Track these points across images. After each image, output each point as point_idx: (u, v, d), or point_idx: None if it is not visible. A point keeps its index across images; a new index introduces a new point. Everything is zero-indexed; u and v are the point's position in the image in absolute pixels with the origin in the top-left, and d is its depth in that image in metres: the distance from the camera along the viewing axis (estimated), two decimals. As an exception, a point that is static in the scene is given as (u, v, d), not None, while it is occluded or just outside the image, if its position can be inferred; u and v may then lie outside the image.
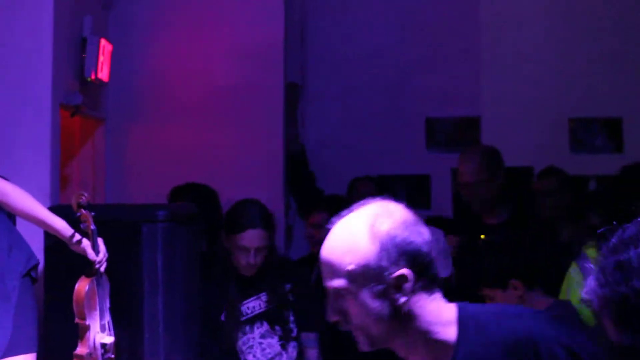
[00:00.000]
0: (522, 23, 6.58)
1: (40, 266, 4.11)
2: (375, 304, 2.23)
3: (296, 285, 4.88)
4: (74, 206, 3.79)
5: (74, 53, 6.10)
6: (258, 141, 6.80)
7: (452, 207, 6.55)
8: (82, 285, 3.83)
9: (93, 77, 6.16)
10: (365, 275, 2.23)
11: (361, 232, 2.27)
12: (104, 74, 6.34)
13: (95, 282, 3.84)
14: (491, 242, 4.42)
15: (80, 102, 5.98)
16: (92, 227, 3.76)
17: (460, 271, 5.20)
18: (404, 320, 2.26)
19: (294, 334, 4.84)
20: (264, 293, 4.81)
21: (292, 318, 4.85)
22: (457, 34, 6.96)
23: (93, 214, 3.79)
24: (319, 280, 2.51)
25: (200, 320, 4.66)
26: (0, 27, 5.66)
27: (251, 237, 4.73)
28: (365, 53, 7.07)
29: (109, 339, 3.90)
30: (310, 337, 4.86)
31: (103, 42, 6.28)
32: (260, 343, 4.80)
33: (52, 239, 3.92)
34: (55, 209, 3.91)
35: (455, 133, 7.00)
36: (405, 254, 2.24)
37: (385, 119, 7.02)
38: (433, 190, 7.01)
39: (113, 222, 4.22)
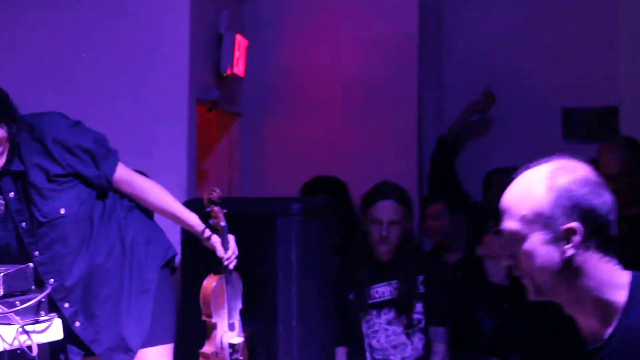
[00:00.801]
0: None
1: (177, 260, 4.18)
2: (543, 251, 2.30)
3: (429, 278, 4.89)
4: (205, 202, 3.81)
5: (210, 48, 6.19)
6: (392, 135, 6.78)
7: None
8: (210, 283, 3.84)
9: (229, 72, 6.24)
10: (536, 222, 2.31)
11: (540, 181, 2.33)
12: (239, 69, 6.41)
13: (224, 279, 3.84)
14: None
15: (217, 97, 6.06)
16: (222, 223, 3.77)
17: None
18: (572, 275, 2.30)
19: (422, 325, 4.84)
20: (395, 280, 4.84)
21: (420, 309, 4.85)
22: (593, 21, 6.81)
23: (225, 210, 3.80)
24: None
25: (333, 312, 4.69)
26: (139, 25, 5.78)
27: (384, 208, 4.83)
28: (500, 43, 6.97)
29: (237, 339, 3.88)
30: (438, 332, 4.86)
31: (239, 37, 6.36)
32: (386, 329, 4.83)
33: (188, 234, 3.97)
34: (189, 203, 3.98)
35: (593, 123, 6.85)
36: (580, 209, 2.29)
37: (521, 110, 6.91)
38: (571, 182, 6.87)
39: (248, 216, 4.27)
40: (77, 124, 3.61)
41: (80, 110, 5.76)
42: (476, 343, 4.99)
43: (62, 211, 3.51)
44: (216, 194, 3.79)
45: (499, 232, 4.89)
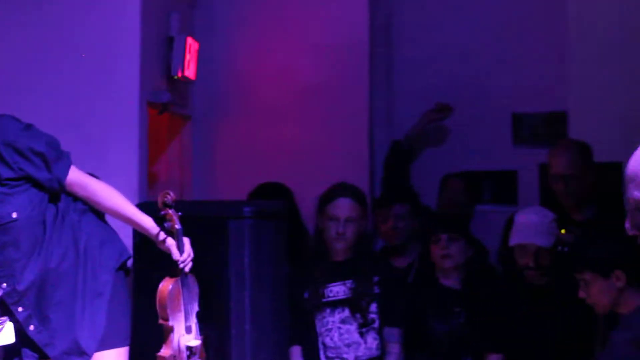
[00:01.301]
0: (609, 15, 6.46)
1: (130, 262, 4.16)
2: None
3: (384, 279, 4.93)
4: (160, 204, 3.80)
5: (161, 51, 6.17)
6: (343, 139, 6.79)
7: (539, 203, 6.46)
8: (166, 286, 3.82)
9: (180, 75, 6.23)
10: None
11: None
12: (190, 71, 6.39)
13: (180, 282, 3.83)
14: (602, 228, 4.37)
15: (168, 100, 6.05)
16: (177, 226, 3.76)
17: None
18: None
19: (376, 324, 4.88)
20: (350, 280, 4.88)
21: (375, 309, 4.88)
22: (542, 27, 6.86)
23: (180, 213, 3.79)
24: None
25: (287, 312, 4.70)
26: (88, 26, 5.75)
27: (341, 205, 4.92)
28: (450, 48, 7.01)
29: (195, 342, 3.87)
30: (393, 332, 4.91)
31: (190, 40, 6.34)
32: (339, 328, 4.86)
33: (141, 236, 3.95)
34: (142, 206, 3.96)
35: (542, 128, 6.91)
36: None
37: (471, 116, 6.95)
38: (520, 186, 6.92)
39: (200, 219, 4.25)
40: (29, 127, 3.58)
41: (30, 113, 5.71)
42: (428, 346, 5.01)
43: (14, 215, 3.47)
44: (170, 197, 3.77)
45: (451, 239, 4.96)
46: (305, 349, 4.90)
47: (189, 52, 6.33)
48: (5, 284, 3.53)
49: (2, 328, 2.96)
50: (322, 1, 6.96)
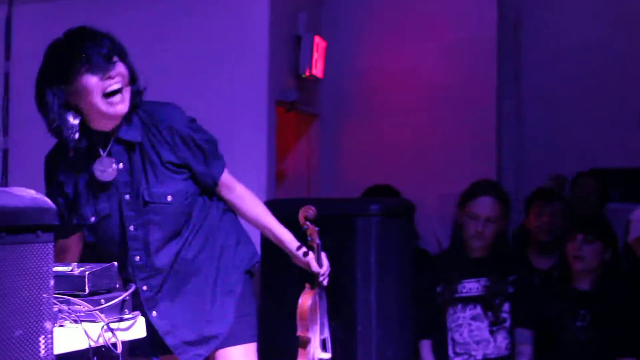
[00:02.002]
0: None
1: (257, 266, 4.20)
2: None
3: (519, 279, 4.88)
4: (301, 219, 3.77)
5: (289, 50, 6.23)
6: (471, 137, 6.75)
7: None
8: (306, 298, 3.82)
9: (307, 73, 6.27)
10: None
11: None
12: (318, 70, 6.43)
13: (317, 295, 3.84)
14: None
15: (296, 99, 6.10)
16: (318, 241, 3.74)
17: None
18: None
19: (507, 324, 4.83)
20: (485, 278, 4.84)
21: (507, 308, 4.84)
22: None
23: (317, 229, 3.77)
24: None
25: (412, 312, 4.69)
26: (218, 27, 5.84)
27: (482, 204, 4.89)
28: (578, 46, 6.91)
29: (326, 355, 3.90)
30: (525, 334, 4.85)
31: (317, 39, 6.38)
32: (470, 324, 4.84)
33: (267, 240, 3.98)
34: (270, 204, 3.99)
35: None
36: None
37: (599, 112, 6.83)
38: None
39: (327, 216, 4.26)
40: (194, 120, 3.65)
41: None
42: (557, 349, 4.94)
43: (169, 198, 3.52)
44: (312, 212, 3.74)
45: (586, 240, 4.89)
46: (434, 343, 4.90)
47: (317, 50, 6.37)
48: (138, 257, 3.59)
49: (134, 322, 3.02)
50: (451, 0, 6.93)
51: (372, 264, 4.32)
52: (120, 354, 2.84)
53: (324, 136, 7.00)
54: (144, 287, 3.62)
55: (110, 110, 3.41)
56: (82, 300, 2.86)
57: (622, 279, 5.29)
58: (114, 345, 2.83)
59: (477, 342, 4.83)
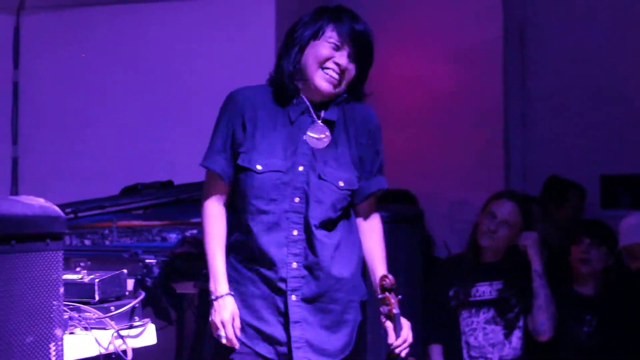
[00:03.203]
0: None
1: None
2: None
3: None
4: (379, 288, 3.68)
5: (296, 59, 6.24)
6: (478, 143, 6.76)
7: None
8: None
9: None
10: None
11: None
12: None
13: None
14: None
15: (304, 107, 6.11)
16: (395, 310, 3.60)
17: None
18: None
19: (521, 323, 4.83)
20: (498, 281, 4.84)
21: (520, 307, 4.84)
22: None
23: (400, 297, 3.66)
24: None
25: (421, 317, 4.68)
26: (224, 37, 5.86)
27: (503, 206, 4.87)
28: (584, 52, 6.91)
29: None
30: None
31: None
32: (484, 328, 4.84)
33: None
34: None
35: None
36: None
37: (605, 118, 6.84)
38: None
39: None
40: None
41: (167, 118, 5.88)
42: (562, 353, 4.95)
43: (341, 184, 3.53)
44: (389, 280, 3.62)
45: (593, 244, 4.89)
46: (446, 348, 4.90)
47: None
48: (296, 232, 3.45)
49: (144, 329, 3.04)
50: (455, 6, 6.94)
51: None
52: (130, 361, 2.86)
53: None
54: (293, 297, 3.46)
55: (322, 84, 3.44)
56: (92, 307, 2.88)
57: (625, 283, 5.29)
58: (124, 352, 2.85)
59: (493, 345, 4.83)
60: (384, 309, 3.47)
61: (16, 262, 2.29)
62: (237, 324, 3.39)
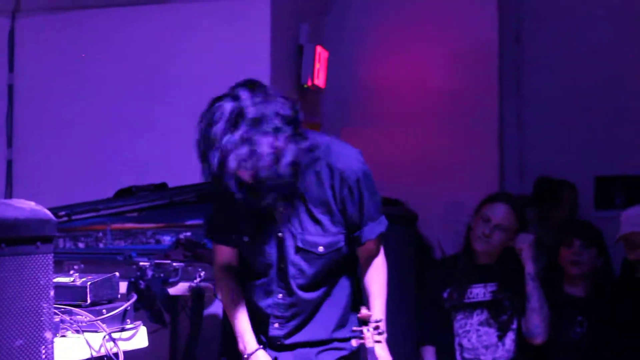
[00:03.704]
0: None
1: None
2: None
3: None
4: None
5: (291, 60, 6.24)
6: (473, 144, 6.77)
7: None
8: None
9: (310, 83, 6.29)
10: None
11: None
12: (320, 80, 6.45)
13: None
14: None
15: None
16: (368, 345, 3.56)
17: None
18: None
19: (514, 325, 4.82)
20: (493, 283, 4.84)
21: (512, 310, 4.84)
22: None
23: (382, 331, 3.60)
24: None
25: (414, 318, 4.69)
26: (219, 37, 5.86)
27: (497, 210, 4.85)
28: (580, 53, 6.92)
29: None
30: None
31: (319, 49, 6.40)
32: (478, 330, 4.84)
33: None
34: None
35: None
36: None
37: (601, 119, 6.84)
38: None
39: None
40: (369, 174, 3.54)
41: (162, 121, 5.87)
42: (554, 354, 4.95)
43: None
44: (365, 313, 3.56)
45: (584, 246, 4.91)
46: (439, 349, 4.90)
47: (319, 60, 6.39)
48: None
49: (136, 332, 3.04)
50: (452, 8, 6.94)
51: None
52: (122, 364, 2.86)
53: (327, 145, 7.00)
54: (275, 325, 3.52)
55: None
56: (84, 310, 2.88)
57: (614, 285, 5.30)
58: (116, 355, 2.85)
59: (486, 347, 4.83)
60: (357, 342, 3.45)
61: (6, 265, 2.30)
62: None
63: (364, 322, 3.41)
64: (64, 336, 2.76)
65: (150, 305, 4.39)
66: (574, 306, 4.97)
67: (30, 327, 2.35)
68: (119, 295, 3.15)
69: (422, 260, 5.51)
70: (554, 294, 4.96)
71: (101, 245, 4.97)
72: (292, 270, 3.42)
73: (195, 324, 4.57)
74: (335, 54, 6.71)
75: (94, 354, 2.82)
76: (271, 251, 3.42)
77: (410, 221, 4.85)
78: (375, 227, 3.51)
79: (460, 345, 4.87)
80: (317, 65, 6.36)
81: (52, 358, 2.42)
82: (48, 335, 2.41)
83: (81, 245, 4.96)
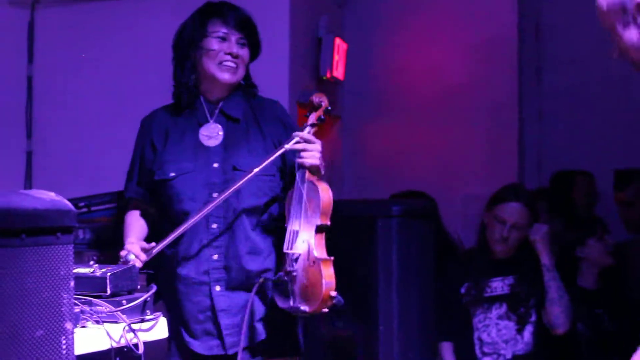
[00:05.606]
0: None
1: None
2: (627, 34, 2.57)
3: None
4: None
5: (310, 52, 6.24)
6: (493, 137, 6.75)
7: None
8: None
9: (329, 75, 6.28)
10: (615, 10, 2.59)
11: None
12: (339, 72, 6.44)
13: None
14: None
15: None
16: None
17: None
18: None
19: (533, 318, 4.81)
20: (511, 277, 4.83)
21: (532, 303, 4.82)
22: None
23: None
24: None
25: (434, 312, 4.68)
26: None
27: (511, 210, 4.84)
28: (600, 46, 6.87)
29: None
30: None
31: (338, 41, 6.39)
32: (497, 324, 4.83)
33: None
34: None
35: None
36: None
37: (619, 114, 6.81)
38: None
39: (349, 218, 4.27)
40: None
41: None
42: (576, 349, 4.93)
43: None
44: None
45: (603, 238, 4.89)
46: (458, 344, 4.89)
47: (337, 52, 6.38)
48: (215, 225, 3.72)
49: (156, 323, 3.04)
50: (471, 0, 6.93)
51: (393, 265, 4.32)
52: (142, 355, 2.86)
53: (346, 138, 7.00)
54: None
55: (223, 76, 3.69)
56: (104, 301, 2.88)
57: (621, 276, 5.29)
58: (136, 345, 2.85)
59: (506, 341, 4.82)
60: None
61: (27, 256, 2.29)
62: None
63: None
64: (84, 327, 2.76)
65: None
66: (587, 299, 4.95)
67: (50, 318, 2.34)
68: (139, 286, 3.16)
69: (441, 254, 5.50)
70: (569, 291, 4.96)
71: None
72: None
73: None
74: (354, 46, 6.70)
75: (114, 345, 2.81)
76: (208, 176, 3.68)
77: (431, 214, 4.83)
78: None
79: (480, 339, 4.86)
80: (335, 57, 6.35)
81: (73, 348, 2.42)
82: (68, 325, 2.40)
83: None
